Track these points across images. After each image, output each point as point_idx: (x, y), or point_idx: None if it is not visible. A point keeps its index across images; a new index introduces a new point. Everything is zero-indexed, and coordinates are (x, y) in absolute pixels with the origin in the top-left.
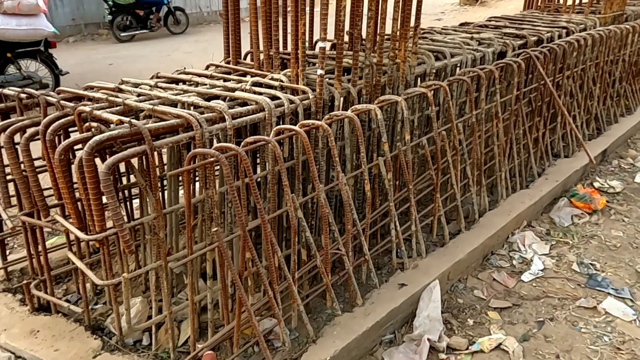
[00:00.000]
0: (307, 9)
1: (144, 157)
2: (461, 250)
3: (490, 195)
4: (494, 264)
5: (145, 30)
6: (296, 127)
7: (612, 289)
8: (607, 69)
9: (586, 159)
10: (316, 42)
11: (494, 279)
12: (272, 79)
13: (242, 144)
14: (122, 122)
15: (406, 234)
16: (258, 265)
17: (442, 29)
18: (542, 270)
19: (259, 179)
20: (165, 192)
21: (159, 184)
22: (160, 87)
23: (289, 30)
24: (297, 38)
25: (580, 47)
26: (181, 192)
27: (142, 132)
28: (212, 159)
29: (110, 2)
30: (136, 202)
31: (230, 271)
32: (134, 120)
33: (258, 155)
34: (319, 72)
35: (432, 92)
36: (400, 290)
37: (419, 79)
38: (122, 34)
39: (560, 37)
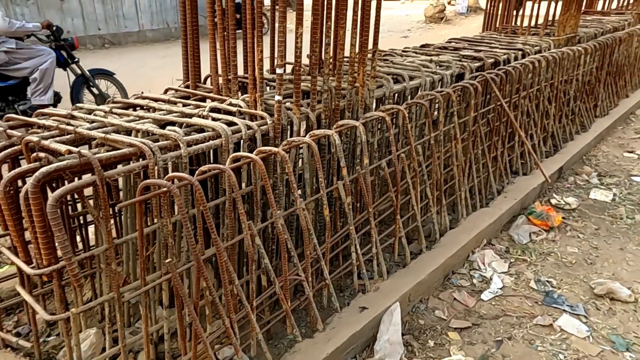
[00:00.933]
0: (274, 29)
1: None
2: (422, 271)
3: (453, 213)
4: (455, 284)
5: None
6: (252, 155)
7: (568, 305)
8: (561, 88)
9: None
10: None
11: (455, 299)
12: (230, 104)
13: (196, 172)
14: (71, 152)
15: (368, 256)
16: (214, 295)
17: (403, 51)
18: (501, 289)
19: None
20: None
21: (116, 212)
22: (115, 114)
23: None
24: (254, 63)
25: (535, 69)
26: None
27: (91, 163)
28: (163, 190)
29: None
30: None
31: (185, 302)
32: (83, 151)
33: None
34: (277, 97)
35: (392, 115)
36: (362, 313)
37: (380, 101)
38: None
39: (516, 58)
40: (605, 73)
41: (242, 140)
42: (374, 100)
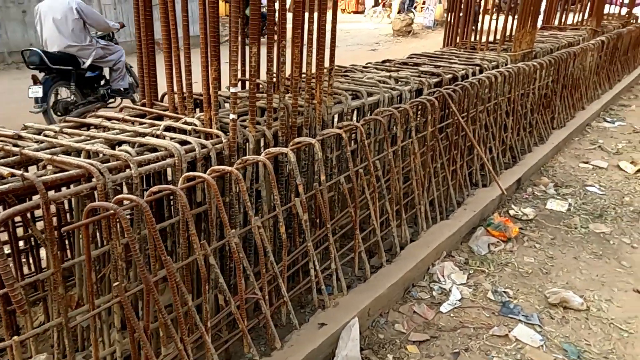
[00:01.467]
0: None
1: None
2: (382, 285)
3: (415, 226)
4: (415, 296)
5: None
6: (204, 175)
7: (523, 315)
8: (519, 102)
9: (503, 187)
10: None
11: (415, 312)
12: (185, 122)
13: (146, 193)
14: (13, 175)
15: (329, 271)
16: (165, 318)
17: (364, 66)
18: (459, 300)
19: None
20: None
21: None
22: (65, 133)
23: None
24: (208, 81)
25: (492, 84)
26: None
27: (35, 186)
28: (109, 213)
29: None
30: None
31: (134, 326)
32: (26, 174)
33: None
34: (231, 116)
35: (350, 131)
36: (320, 330)
37: (340, 117)
38: None
39: (474, 74)
40: (561, 86)
41: (196, 160)
42: (334, 117)
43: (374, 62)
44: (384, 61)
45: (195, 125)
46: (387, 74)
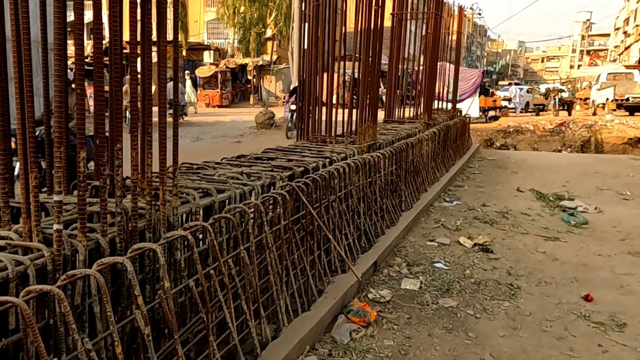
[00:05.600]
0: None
1: None
2: None
3: (277, 321)
4: None
5: None
6: (13, 299)
7: None
8: (368, 189)
9: (360, 272)
10: (73, 185)
11: None
12: None
13: None
14: None
15: None
16: None
17: (216, 163)
18: None
19: None
20: None
21: None
22: None
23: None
24: (27, 188)
25: (340, 175)
26: None
27: None
28: None
29: None
30: None
31: None
32: None
33: None
34: (55, 226)
35: (197, 232)
36: None
37: (193, 216)
38: None
39: (324, 166)
40: (405, 172)
41: (8, 279)
42: (182, 217)
43: (229, 158)
44: (238, 156)
45: (11, 239)
46: (239, 169)
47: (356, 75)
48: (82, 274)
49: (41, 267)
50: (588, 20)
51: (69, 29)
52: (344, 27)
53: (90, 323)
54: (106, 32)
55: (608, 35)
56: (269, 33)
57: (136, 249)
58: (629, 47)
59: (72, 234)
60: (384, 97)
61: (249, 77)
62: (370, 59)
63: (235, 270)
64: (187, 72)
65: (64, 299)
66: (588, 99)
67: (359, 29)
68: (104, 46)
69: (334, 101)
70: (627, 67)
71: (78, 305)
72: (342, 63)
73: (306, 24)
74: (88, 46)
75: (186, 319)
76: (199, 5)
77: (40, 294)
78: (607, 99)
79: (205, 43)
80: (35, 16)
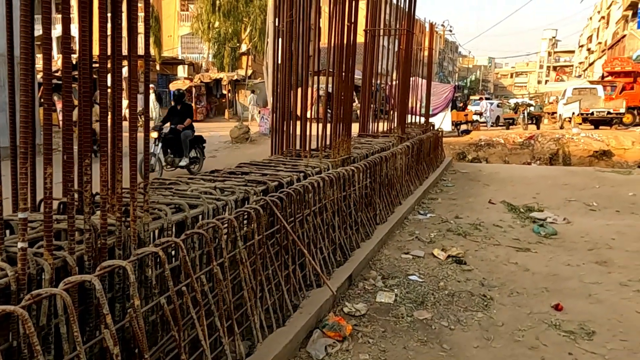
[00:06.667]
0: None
1: None
2: None
3: (251, 337)
4: None
5: None
6: None
7: None
8: (342, 203)
9: (335, 286)
10: (40, 202)
11: None
12: None
13: None
14: None
15: None
16: None
17: (189, 178)
18: None
19: None
20: None
21: None
22: None
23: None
24: None
25: (315, 189)
26: None
27: None
28: None
29: None
30: None
31: None
32: None
33: None
34: (20, 245)
35: (169, 247)
36: None
37: (165, 232)
38: None
39: (299, 180)
40: (379, 185)
41: None
42: (154, 233)
43: (202, 172)
44: (212, 171)
45: None
46: (212, 184)
47: (330, 89)
48: (48, 294)
49: (4, 287)
50: (554, 37)
51: (37, 43)
52: (317, 43)
53: (56, 344)
54: (76, 46)
55: (573, 52)
56: (243, 48)
57: (105, 267)
58: (592, 63)
59: (38, 252)
60: (358, 112)
61: (224, 92)
62: (343, 73)
63: (209, 286)
64: (151, 85)
65: (28, 320)
66: (555, 113)
67: (332, 45)
68: (73, 60)
69: (309, 115)
70: (592, 82)
71: (44, 325)
72: (316, 78)
73: (280, 40)
74: (58, 60)
75: (157, 337)
76: (173, 19)
77: (2, 314)
78: (573, 113)
79: (180, 57)
80: (2, 29)
